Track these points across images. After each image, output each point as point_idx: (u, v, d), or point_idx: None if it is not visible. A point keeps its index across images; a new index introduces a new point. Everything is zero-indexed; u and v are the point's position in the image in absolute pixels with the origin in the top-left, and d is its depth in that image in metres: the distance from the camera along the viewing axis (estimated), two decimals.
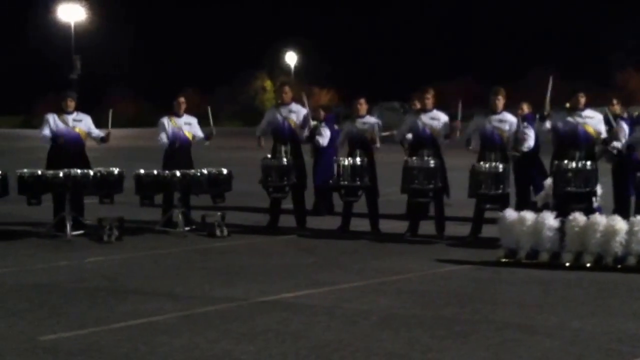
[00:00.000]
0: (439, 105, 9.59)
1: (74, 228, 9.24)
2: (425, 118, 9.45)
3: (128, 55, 70.01)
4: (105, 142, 10.04)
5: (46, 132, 9.68)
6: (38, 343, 5.11)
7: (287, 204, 10.25)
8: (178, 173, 9.53)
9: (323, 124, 11.34)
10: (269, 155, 9.93)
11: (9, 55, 68.08)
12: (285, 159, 9.77)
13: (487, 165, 8.93)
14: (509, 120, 9.19)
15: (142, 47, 73.82)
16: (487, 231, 8.95)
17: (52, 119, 9.72)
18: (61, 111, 9.79)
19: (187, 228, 9.62)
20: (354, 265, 7.77)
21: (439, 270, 7.55)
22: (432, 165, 9.13)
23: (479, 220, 9.14)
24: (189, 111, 10.36)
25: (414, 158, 9.24)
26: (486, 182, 8.87)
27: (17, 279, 7.09)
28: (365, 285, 6.85)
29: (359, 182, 9.45)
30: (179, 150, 10.08)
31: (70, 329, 5.40)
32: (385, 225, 9.86)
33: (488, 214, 9.02)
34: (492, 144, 9.10)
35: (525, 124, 9.33)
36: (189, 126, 10.23)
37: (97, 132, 9.95)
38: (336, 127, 11.61)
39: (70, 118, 9.76)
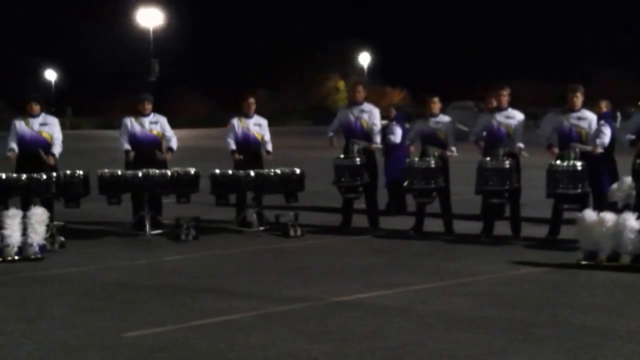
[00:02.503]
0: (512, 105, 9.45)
1: (152, 227, 9.49)
2: (500, 117, 9.31)
3: (199, 56, 71.37)
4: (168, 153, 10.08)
5: (122, 137, 9.97)
6: (121, 339, 5.27)
7: (360, 203, 10.25)
8: (252, 173, 9.66)
9: (394, 122, 11.36)
10: (342, 155, 9.95)
11: (89, 58, 70.41)
12: (357, 159, 9.77)
13: (564, 164, 8.73)
14: (589, 117, 8.98)
15: (213, 47, 75.14)
16: (565, 232, 8.75)
17: (130, 122, 9.99)
18: (138, 113, 10.05)
19: (261, 228, 9.75)
20: (428, 266, 7.72)
21: (515, 272, 7.42)
22: (507, 165, 8.97)
23: (557, 221, 8.94)
24: (259, 111, 10.47)
25: (488, 158, 9.10)
26: (564, 181, 8.67)
27: (100, 277, 7.34)
28: (440, 286, 6.80)
29: (433, 185, 9.37)
30: (249, 151, 10.20)
31: (151, 326, 5.55)
32: (459, 226, 9.75)
33: (566, 215, 8.82)
34: (571, 142, 8.89)
35: (602, 122, 9.12)
36: (258, 127, 10.33)
37: (170, 134, 10.15)
38: (407, 125, 11.59)
39: (146, 120, 10.00)
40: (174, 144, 10.12)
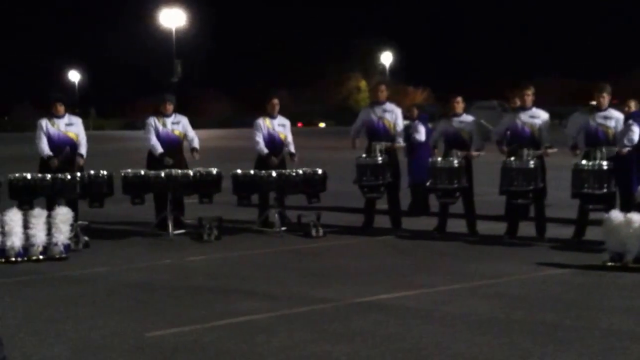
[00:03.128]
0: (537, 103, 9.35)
1: (175, 227, 9.52)
2: (524, 116, 9.21)
3: (222, 57, 71.64)
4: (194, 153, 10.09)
5: (153, 139, 9.90)
6: (144, 339, 5.29)
7: (382, 204, 10.21)
8: (274, 173, 9.65)
9: (417, 122, 11.30)
10: (364, 155, 9.92)
11: (112, 60, 70.97)
12: (380, 158, 9.73)
13: (590, 164, 8.62)
14: (615, 116, 8.87)
15: (235, 48, 75.41)
16: (591, 233, 8.64)
17: (154, 122, 10.03)
18: (160, 114, 10.08)
19: (283, 228, 9.74)
20: (451, 267, 7.66)
21: (540, 274, 7.34)
22: (531, 165, 8.87)
23: (582, 222, 8.83)
24: (281, 111, 10.45)
25: (513, 158, 9.02)
26: (589, 181, 8.56)
27: (123, 277, 7.37)
28: (463, 288, 6.74)
29: (456, 184, 9.29)
30: (274, 151, 10.19)
31: (174, 326, 5.56)
32: (483, 227, 9.66)
33: (593, 216, 8.71)
34: (597, 142, 8.79)
35: (631, 121, 9.00)
36: (282, 127, 10.32)
37: (192, 135, 10.14)
38: (430, 125, 11.53)
39: (168, 121, 10.03)
40: (196, 143, 10.13)
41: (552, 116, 9.84)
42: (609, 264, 7.42)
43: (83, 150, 9.78)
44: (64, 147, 9.65)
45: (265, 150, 10.10)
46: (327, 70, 70.58)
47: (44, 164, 9.63)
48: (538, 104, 9.35)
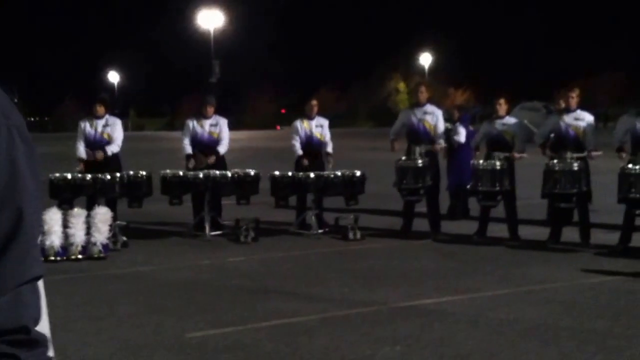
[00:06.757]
0: (584, 103, 9.14)
1: (212, 228, 9.50)
2: (568, 118, 9.01)
3: (265, 57, 71.96)
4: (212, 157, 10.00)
5: (185, 141, 9.98)
6: (185, 340, 5.25)
7: (421, 207, 10.07)
8: (312, 175, 9.59)
9: (458, 124, 11.13)
10: (404, 157, 9.79)
11: (152, 61, 71.72)
12: (420, 161, 9.59)
13: (637, 167, 8.38)
14: None
15: (279, 48, 75.64)
16: (638, 240, 8.39)
17: (192, 124, 10.05)
18: (201, 116, 10.10)
19: (320, 230, 9.66)
20: (495, 272, 7.49)
21: (587, 280, 7.14)
22: (575, 168, 8.67)
23: (629, 228, 8.59)
24: (326, 111, 10.40)
25: (556, 161, 8.82)
26: (637, 186, 8.32)
27: (163, 277, 7.36)
28: (510, 293, 6.58)
29: (498, 187, 9.11)
30: (311, 152, 10.12)
31: (215, 327, 5.52)
32: (525, 232, 9.45)
33: (639, 221, 8.47)
34: None
35: None
36: (320, 128, 10.27)
37: (222, 136, 9.96)
38: (471, 127, 11.34)
39: (207, 122, 10.04)
40: (222, 147, 9.94)
41: (597, 118, 9.60)
42: None
43: (110, 148, 9.71)
44: (99, 147, 9.70)
45: (300, 152, 10.06)
46: (366, 72, 70.44)
47: (87, 164, 9.68)
48: (598, 100, 9.14)
